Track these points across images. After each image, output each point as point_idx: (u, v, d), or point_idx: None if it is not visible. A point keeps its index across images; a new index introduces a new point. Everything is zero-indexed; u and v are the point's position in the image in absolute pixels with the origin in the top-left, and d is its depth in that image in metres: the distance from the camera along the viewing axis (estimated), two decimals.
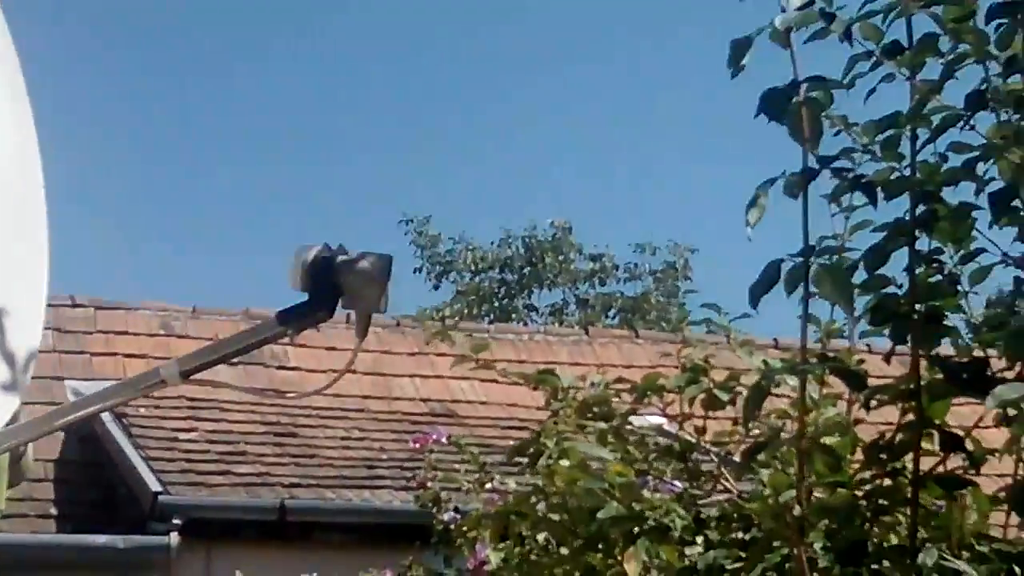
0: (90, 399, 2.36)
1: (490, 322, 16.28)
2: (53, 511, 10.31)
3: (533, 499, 3.39)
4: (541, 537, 3.46)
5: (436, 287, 25.28)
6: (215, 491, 9.93)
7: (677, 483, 3.21)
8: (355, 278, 2.27)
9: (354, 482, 10.44)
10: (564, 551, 3.35)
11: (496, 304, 24.07)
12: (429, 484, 4.79)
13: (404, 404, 12.41)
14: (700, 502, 3.21)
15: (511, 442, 3.61)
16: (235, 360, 12.01)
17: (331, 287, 2.28)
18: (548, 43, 34.97)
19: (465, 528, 3.89)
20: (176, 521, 9.56)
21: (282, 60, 35.08)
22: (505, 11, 36.02)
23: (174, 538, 9.51)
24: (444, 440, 4.84)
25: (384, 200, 31.62)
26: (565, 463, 3.26)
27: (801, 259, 2.52)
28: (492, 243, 25.29)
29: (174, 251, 34.21)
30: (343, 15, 34.90)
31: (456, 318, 20.00)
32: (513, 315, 24.04)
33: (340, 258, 2.29)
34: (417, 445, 4.86)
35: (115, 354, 12.21)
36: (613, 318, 25.47)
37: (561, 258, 25.01)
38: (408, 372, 13.01)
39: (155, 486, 9.63)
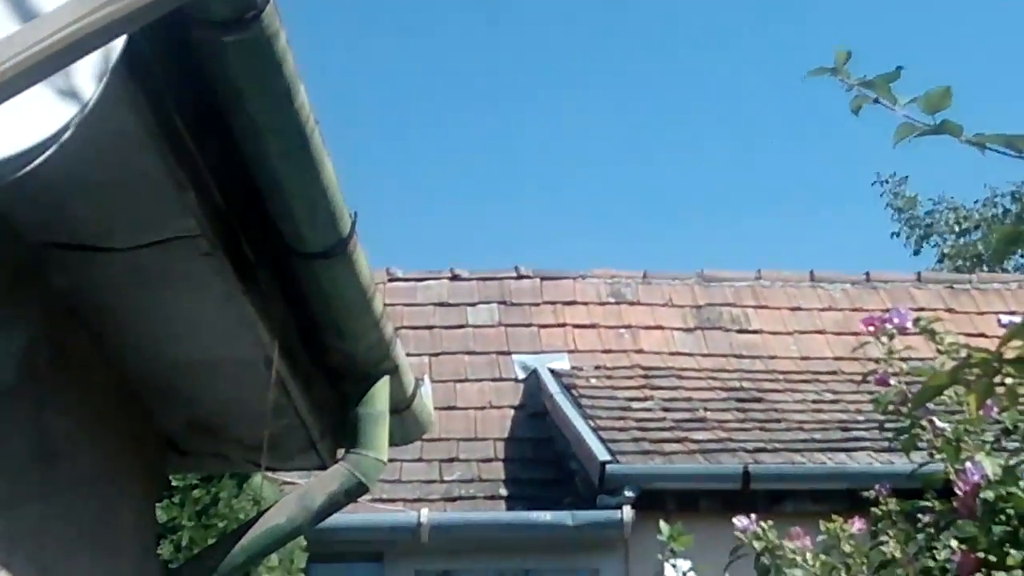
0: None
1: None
2: (503, 491, 9.57)
3: None
4: None
5: (916, 252, 23.45)
6: (670, 459, 8.92)
7: None
8: None
9: (827, 445, 9.21)
10: None
11: (984, 266, 21.98)
12: (892, 381, 3.57)
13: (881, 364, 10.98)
14: None
15: None
16: (692, 326, 10.66)
17: None
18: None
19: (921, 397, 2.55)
20: (628, 494, 8.62)
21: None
22: None
23: (627, 512, 8.57)
24: (909, 324, 3.59)
25: (859, 160, 29.52)
26: None
27: None
28: (976, 202, 23.27)
29: (625, 214, 32.99)
30: None
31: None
32: None
33: None
34: (871, 328, 3.63)
35: (563, 325, 11.45)
36: None
37: None
38: None
39: (603, 455, 8.73)
